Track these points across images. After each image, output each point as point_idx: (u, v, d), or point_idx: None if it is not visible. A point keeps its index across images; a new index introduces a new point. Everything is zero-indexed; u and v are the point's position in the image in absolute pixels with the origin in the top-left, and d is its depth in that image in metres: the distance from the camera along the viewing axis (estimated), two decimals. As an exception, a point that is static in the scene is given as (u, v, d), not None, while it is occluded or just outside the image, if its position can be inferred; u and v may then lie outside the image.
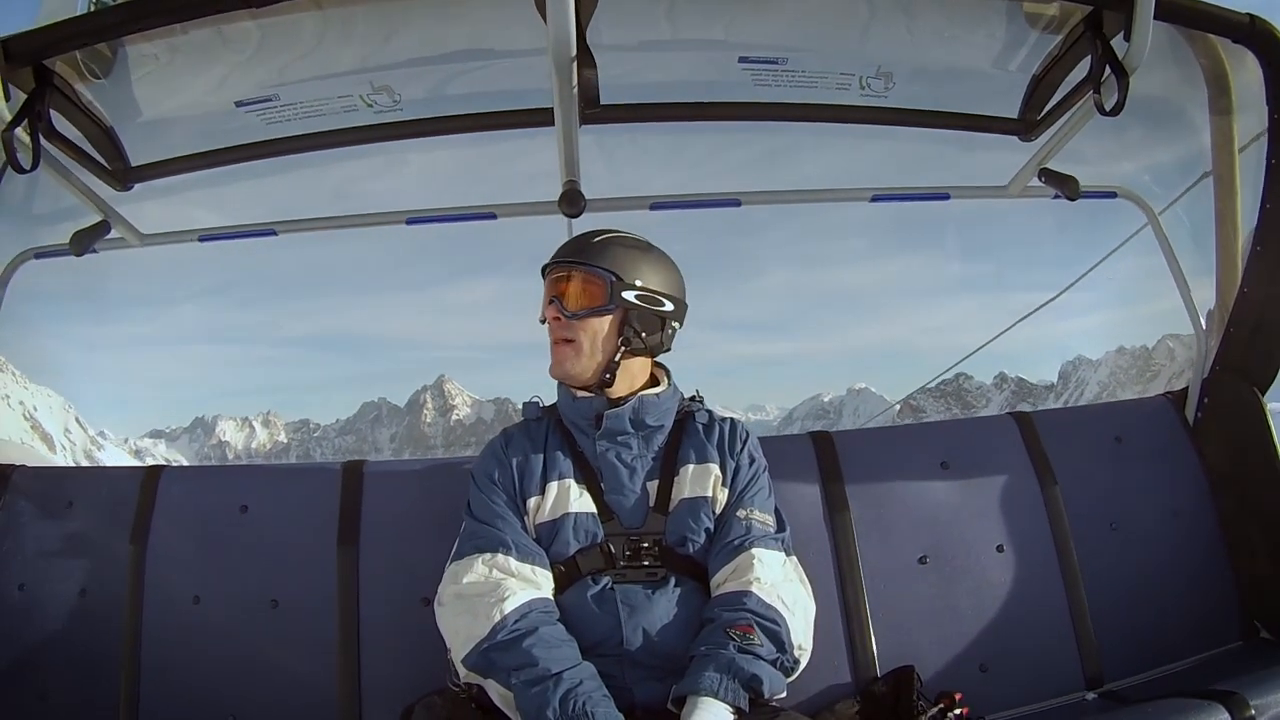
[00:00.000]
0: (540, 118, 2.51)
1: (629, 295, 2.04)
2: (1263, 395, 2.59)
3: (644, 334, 2.07)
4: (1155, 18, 1.96)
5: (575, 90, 2.07)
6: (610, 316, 2.04)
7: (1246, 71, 2.36)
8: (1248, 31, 2.18)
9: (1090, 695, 2.40)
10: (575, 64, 1.97)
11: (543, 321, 2.08)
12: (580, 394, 2.09)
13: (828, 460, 2.60)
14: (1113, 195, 2.90)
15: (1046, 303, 6.03)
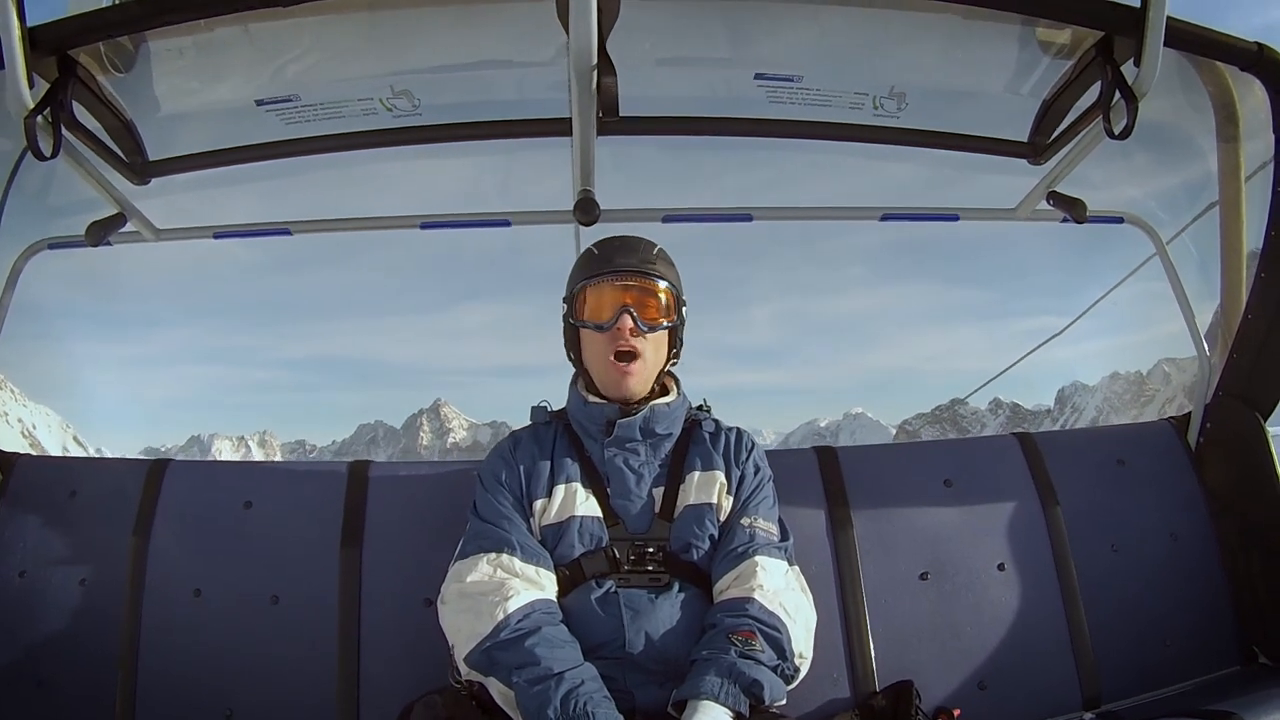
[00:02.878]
0: (557, 127, 2.53)
1: (684, 310, 2.14)
2: (1265, 421, 2.61)
3: (681, 346, 2.17)
4: (1165, 44, 1.99)
5: (594, 99, 2.08)
6: (668, 331, 2.12)
7: (1254, 99, 2.39)
8: (1255, 60, 2.20)
9: (1088, 715, 2.40)
10: (595, 73, 1.99)
11: (600, 328, 2.07)
12: (592, 399, 2.11)
13: (831, 475, 2.61)
14: (1119, 220, 2.93)
15: (1061, 331, 6.06)
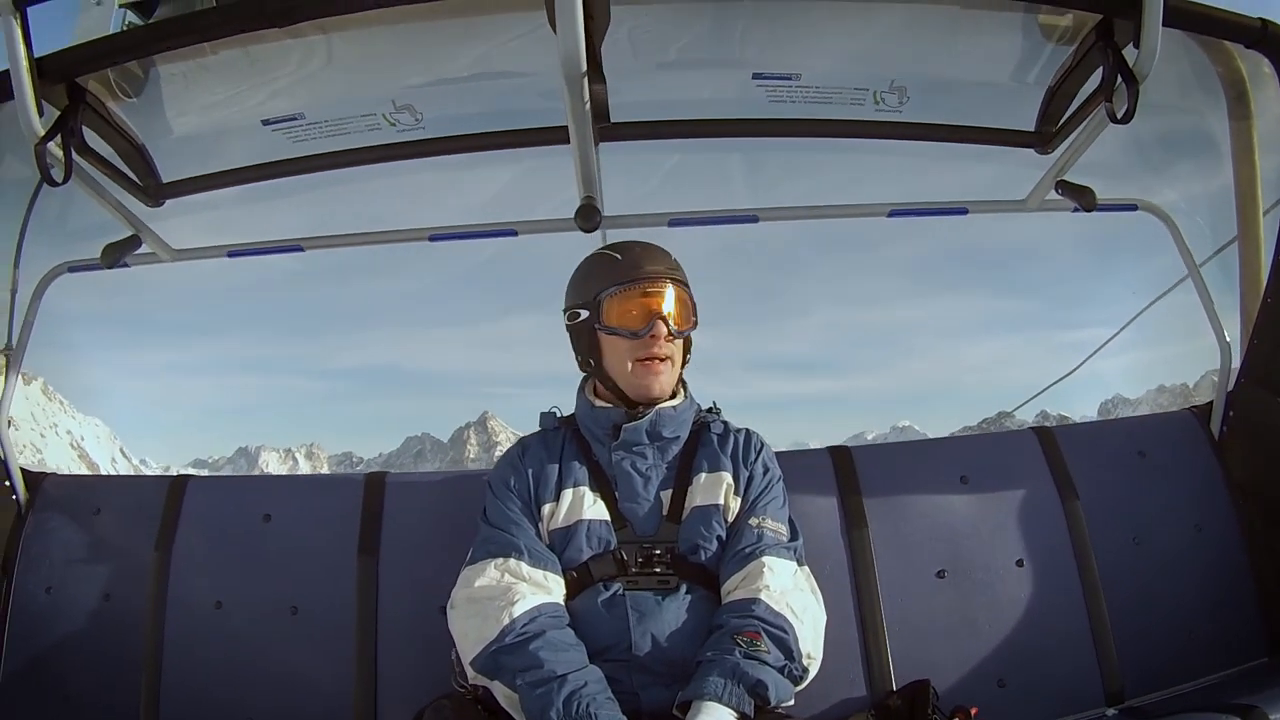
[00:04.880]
0: (558, 136, 2.54)
1: (698, 315, 2.15)
2: None
3: (690, 350, 2.19)
4: (1165, 24, 1.95)
5: (587, 106, 2.10)
6: (687, 335, 2.14)
7: (1263, 78, 2.34)
8: (1260, 36, 2.15)
9: (1110, 712, 2.35)
10: (585, 80, 2.00)
11: (635, 335, 2.06)
12: (599, 404, 2.13)
13: (846, 474, 2.59)
14: (1133, 208, 2.87)
15: (1104, 344, 5.96)
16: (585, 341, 2.14)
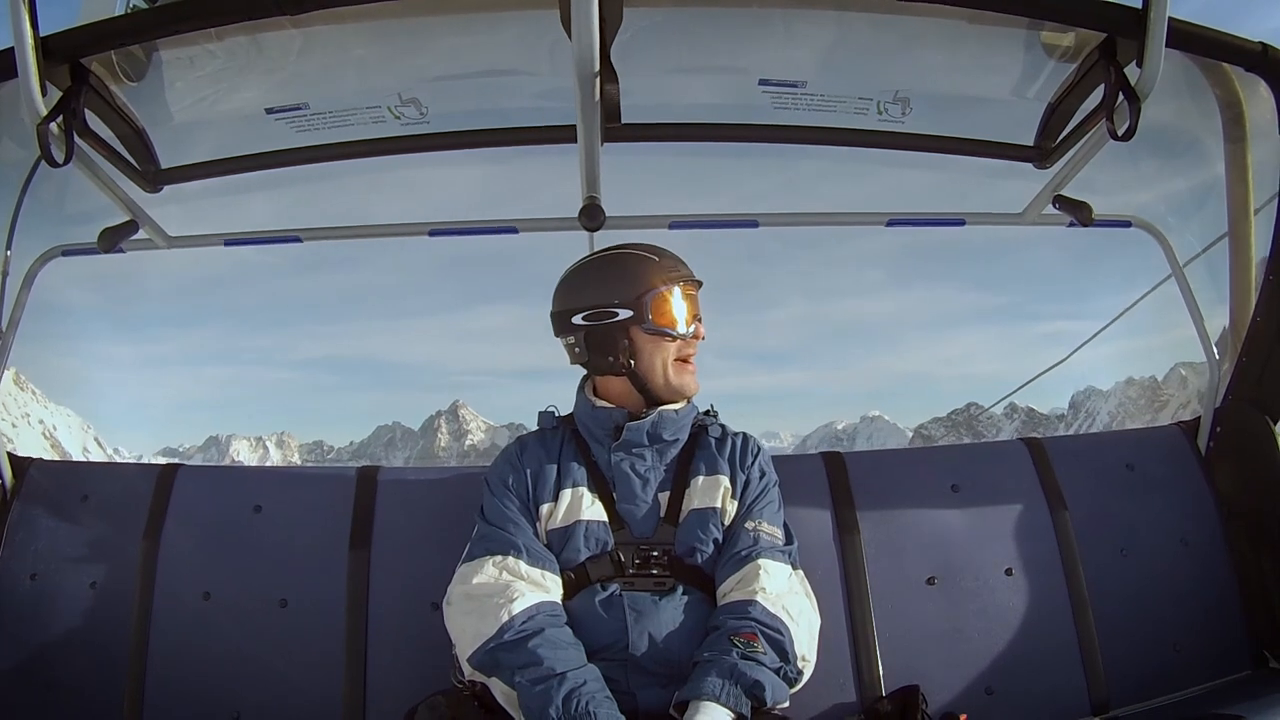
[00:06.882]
0: (563, 135, 2.53)
1: None
2: (1275, 424, 2.58)
3: None
4: (1168, 45, 1.98)
5: (598, 105, 2.09)
6: None
7: (1260, 100, 2.39)
8: (1260, 60, 2.20)
9: None
10: (598, 79, 2.00)
11: (685, 335, 2.10)
12: (600, 404, 2.12)
13: (839, 481, 2.61)
14: (1127, 224, 2.89)
15: (1094, 335, 6.01)
16: (617, 341, 2.08)
